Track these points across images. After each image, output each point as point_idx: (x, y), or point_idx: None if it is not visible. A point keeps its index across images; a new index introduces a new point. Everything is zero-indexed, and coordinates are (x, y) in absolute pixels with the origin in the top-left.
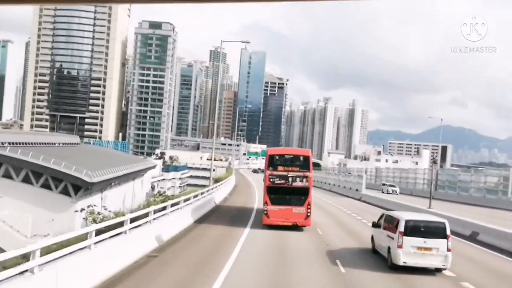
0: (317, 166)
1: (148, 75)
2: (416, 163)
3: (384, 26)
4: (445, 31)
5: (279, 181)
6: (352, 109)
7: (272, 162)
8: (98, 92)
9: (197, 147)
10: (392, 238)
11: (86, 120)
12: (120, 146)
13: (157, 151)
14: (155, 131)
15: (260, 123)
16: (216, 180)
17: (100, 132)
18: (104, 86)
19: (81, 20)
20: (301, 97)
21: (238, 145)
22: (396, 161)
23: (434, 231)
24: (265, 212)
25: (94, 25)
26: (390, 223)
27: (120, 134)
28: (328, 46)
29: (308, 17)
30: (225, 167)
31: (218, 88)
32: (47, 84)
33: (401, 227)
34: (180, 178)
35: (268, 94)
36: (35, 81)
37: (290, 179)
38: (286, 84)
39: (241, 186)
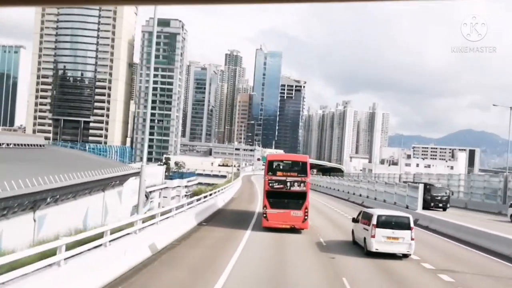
0: (338, 172)
1: (156, 75)
2: (451, 167)
3: (402, 29)
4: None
5: (278, 186)
6: (373, 112)
7: (271, 167)
8: (103, 94)
9: (209, 153)
10: (367, 230)
11: (91, 124)
12: (122, 151)
13: (166, 157)
14: (164, 136)
15: (277, 127)
16: (195, 194)
17: (106, 137)
18: (110, 88)
19: (85, 18)
20: (319, 103)
21: (252, 150)
22: (429, 166)
23: (400, 224)
24: (264, 215)
25: (99, 23)
26: (366, 218)
27: (129, 139)
28: (346, 50)
29: (325, 22)
30: (235, 173)
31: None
32: (49, 87)
33: (374, 221)
34: (186, 186)
35: (285, 97)
36: (37, 83)
37: (288, 184)
38: (304, 86)
39: (240, 201)
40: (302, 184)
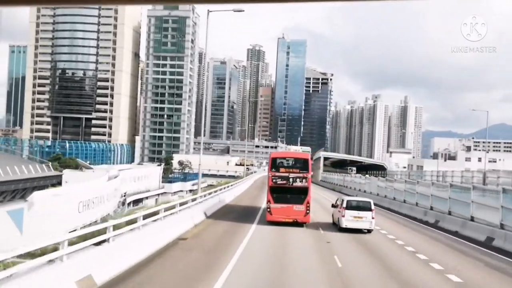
0: (380, 169)
1: (164, 65)
2: None
3: (430, 23)
4: (495, 27)
5: (281, 182)
6: (405, 106)
7: (275, 164)
8: (106, 88)
9: (226, 151)
10: (340, 212)
11: (94, 121)
12: (126, 150)
13: (176, 156)
14: (174, 133)
15: (302, 123)
16: None
17: (110, 135)
18: (113, 81)
19: (83, 4)
20: (346, 99)
21: (275, 147)
22: (494, 160)
23: (364, 206)
24: (268, 209)
25: (99, 9)
26: (340, 203)
27: (138, 137)
28: (372, 46)
29: (350, 18)
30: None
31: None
32: (48, 81)
33: (344, 204)
34: (190, 191)
35: (311, 91)
36: (34, 77)
37: (291, 179)
38: (331, 79)
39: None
40: (304, 180)
